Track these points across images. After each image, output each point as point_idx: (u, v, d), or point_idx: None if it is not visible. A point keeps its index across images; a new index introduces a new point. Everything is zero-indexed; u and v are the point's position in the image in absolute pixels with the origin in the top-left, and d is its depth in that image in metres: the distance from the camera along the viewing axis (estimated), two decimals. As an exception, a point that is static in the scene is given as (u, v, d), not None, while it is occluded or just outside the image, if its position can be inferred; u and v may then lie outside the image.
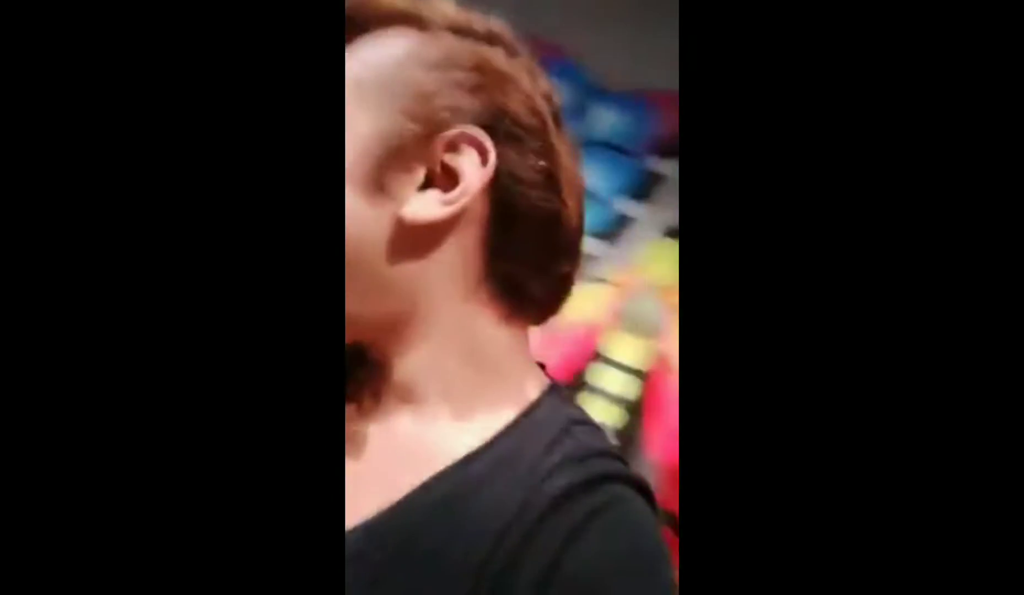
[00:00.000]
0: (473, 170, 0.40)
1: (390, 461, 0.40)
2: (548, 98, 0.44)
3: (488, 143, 0.40)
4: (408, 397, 0.41)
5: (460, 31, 0.43)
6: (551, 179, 0.42)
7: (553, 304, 0.46)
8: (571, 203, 0.43)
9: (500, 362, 0.43)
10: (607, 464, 0.40)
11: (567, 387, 0.52)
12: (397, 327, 0.41)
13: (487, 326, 0.43)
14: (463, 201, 0.40)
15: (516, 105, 0.42)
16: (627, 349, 1.54)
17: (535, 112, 0.43)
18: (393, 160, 0.40)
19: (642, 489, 0.40)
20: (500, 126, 0.41)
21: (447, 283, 0.42)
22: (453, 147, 0.41)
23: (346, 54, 0.41)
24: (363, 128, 0.40)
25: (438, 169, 0.41)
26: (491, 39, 0.43)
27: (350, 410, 0.41)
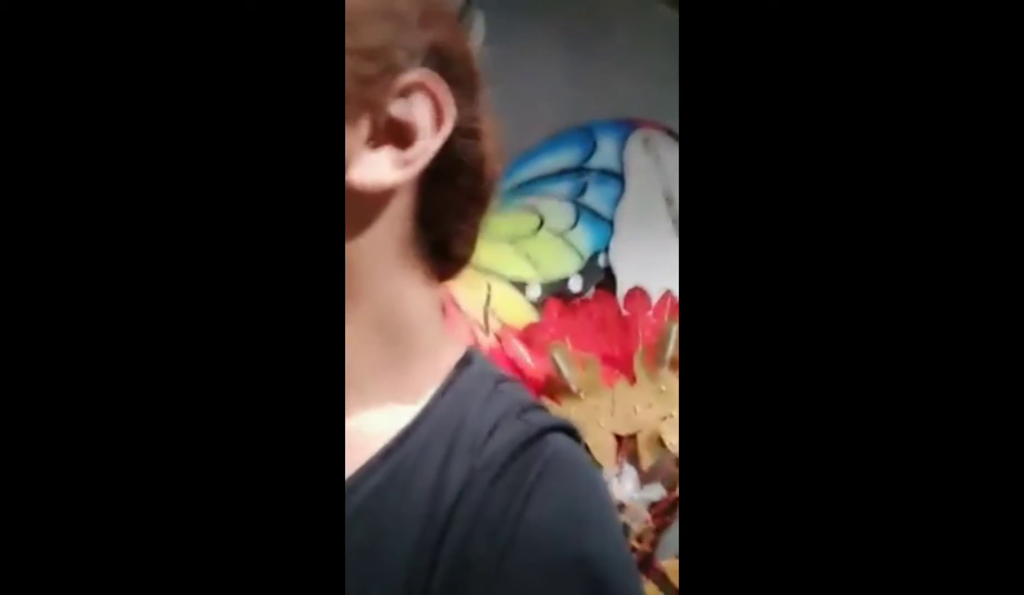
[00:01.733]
0: (428, 124, 0.35)
1: None
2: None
3: (446, 92, 0.35)
4: None
5: None
6: (478, 125, 0.38)
7: (464, 260, 0.42)
8: (491, 149, 0.39)
9: (423, 328, 0.39)
10: (543, 416, 0.37)
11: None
12: None
13: (411, 292, 0.38)
14: (421, 162, 0.35)
15: (457, 44, 0.37)
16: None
17: (468, 54, 0.38)
18: (353, 112, 0.34)
19: (574, 434, 0.38)
20: (445, 69, 0.36)
21: (376, 251, 0.37)
22: (404, 94, 0.35)
23: None
24: None
25: (383, 122, 0.35)
26: None
27: None
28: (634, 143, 1.43)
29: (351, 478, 0.35)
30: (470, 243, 0.41)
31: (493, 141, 0.40)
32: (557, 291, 1.39)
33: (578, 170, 1.43)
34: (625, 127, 1.44)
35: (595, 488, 0.36)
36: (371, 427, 0.36)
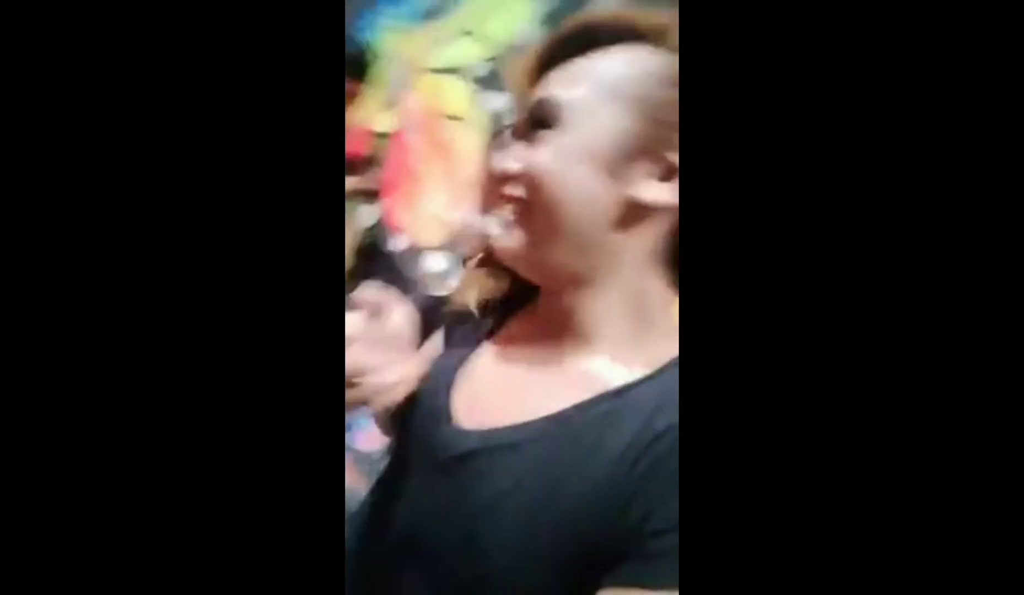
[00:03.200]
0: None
1: (559, 383, 0.51)
2: None
3: None
4: (582, 338, 0.52)
5: (671, 48, 0.51)
6: None
7: None
8: None
9: (656, 321, 0.52)
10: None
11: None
12: (588, 280, 0.51)
13: (654, 291, 0.52)
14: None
15: None
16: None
17: None
18: (637, 153, 0.49)
19: None
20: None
21: (638, 253, 0.52)
22: (675, 149, 0.50)
23: (589, 62, 0.50)
24: (611, 125, 0.49)
25: (666, 165, 0.50)
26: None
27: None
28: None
29: (585, 401, 0.49)
30: None
31: None
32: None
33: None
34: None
35: None
36: (599, 374, 0.50)
